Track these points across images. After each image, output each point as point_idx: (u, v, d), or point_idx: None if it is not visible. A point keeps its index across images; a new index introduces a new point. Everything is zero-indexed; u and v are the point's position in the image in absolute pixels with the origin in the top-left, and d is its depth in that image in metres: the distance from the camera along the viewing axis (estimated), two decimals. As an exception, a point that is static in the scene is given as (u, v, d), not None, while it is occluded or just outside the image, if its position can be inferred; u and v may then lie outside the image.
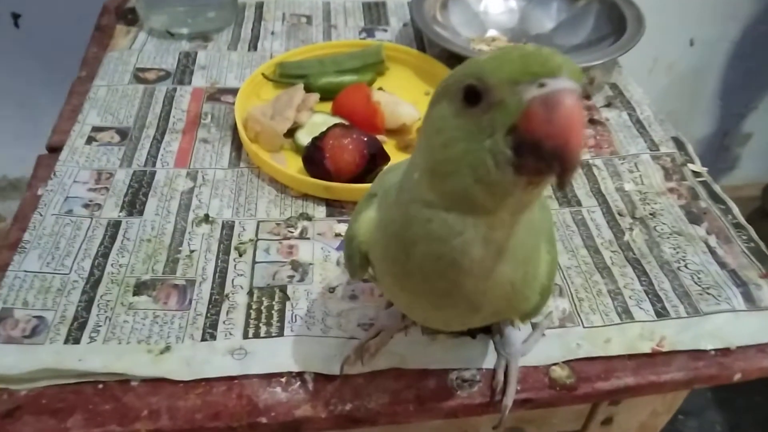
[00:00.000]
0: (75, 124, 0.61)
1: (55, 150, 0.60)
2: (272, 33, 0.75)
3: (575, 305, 0.47)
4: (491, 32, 0.76)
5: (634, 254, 0.51)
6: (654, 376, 0.43)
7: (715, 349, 0.44)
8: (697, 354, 0.44)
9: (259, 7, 0.79)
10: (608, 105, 0.66)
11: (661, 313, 0.46)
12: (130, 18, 0.76)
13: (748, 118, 1.56)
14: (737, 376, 0.44)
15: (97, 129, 0.61)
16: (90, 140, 0.60)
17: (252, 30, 0.76)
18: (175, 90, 0.66)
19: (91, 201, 0.54)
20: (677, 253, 0.51)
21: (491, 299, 0.33)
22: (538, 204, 0.33)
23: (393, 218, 0.33)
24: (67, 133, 0.61)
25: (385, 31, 0.77)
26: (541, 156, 0.25)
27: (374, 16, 0.79)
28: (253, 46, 0.73)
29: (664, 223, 0.53)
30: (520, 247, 0.31)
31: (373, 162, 0.54)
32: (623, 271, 0.49)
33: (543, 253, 0.35)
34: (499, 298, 0.33)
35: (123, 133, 0.61)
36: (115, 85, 0.66)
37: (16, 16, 1.15)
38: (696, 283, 0.48)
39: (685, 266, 0.50)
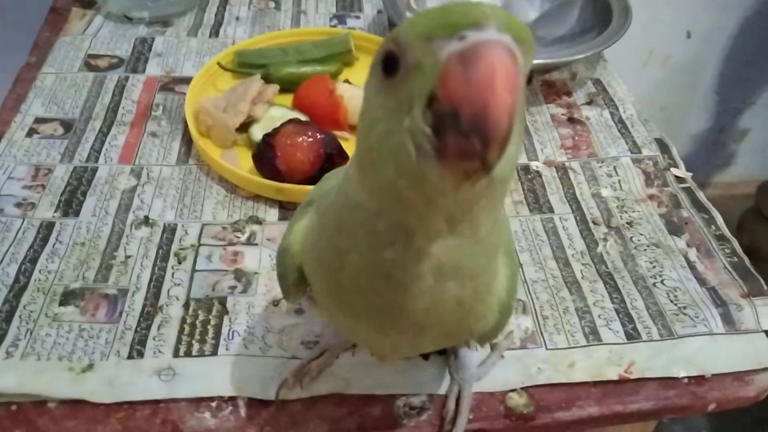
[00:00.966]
0: (17, 114, 0.57)
1: (-8, 142, 0.56)
2: (237, 18, 0.71)
3: (539, 324, 0.43)
4: (470, 22, 0.71)
5: (607, 268, 0.47)
6: (620, 405, 0.39)
7: (688, 377, 0.41)
8: (668, 382, 0.40)
9: (226, -9, 0.75)
10: (590, 102, 0.62)
11: (632, 335, 0.42)
12: (87, 1, 0.72)
13: (745, 114, 1.54)
14: (711, 407, 0.40)
15: (39, 120, 0.57)
16: (31, 132, 0.56)
17: (216, 15, 0.71)
18: (127, 79, 0.62)
19: (24, 200, 0.50)
20: (654, 267, 0.47)
21: (437, 319, 0.28)
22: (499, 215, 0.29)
23: (326, 223, 0.29)
24: (7, 124, 0.57)
25: (358, 18, 0.72)
26: (462, 128, 0.20)
27: (347, 1, 0.75)
28: (215, 32, 0.69)
29: (641, 234, 0.50)
30: (467, 260, 0.26)
31: (330, 162, 0.50)
32: (594, 286, 0.45)
33: (500, 266, 0.31)
34: (447, 318, 0.28)
35: (67, 125, 0.57)
36: (63, 73, 0.62)
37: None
38: (672, 302, 0.45)
39: (662, 282, 0.46)
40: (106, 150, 0.55)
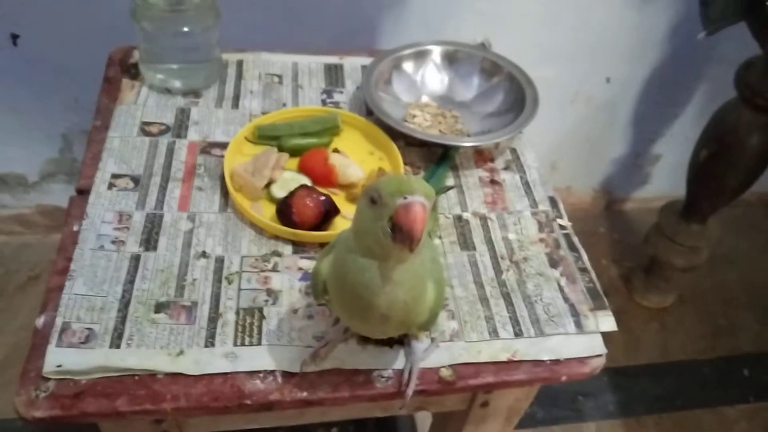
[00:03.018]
0: (97, 171, 0.79)
1: (82, 192, 0.78)
2: (251, 92, 0.94)
3: (462, 326, 0.68)
4: (424, 98, 0.96)
5: (507, 289, 0.73)
6: (507, 377, 0.65)
7: (550, 360, 0.67)
8: (538, 363, 0.66)
9: (240, 65, 0.98)
10: (506, 168, 0.88)
11: (518, 334, 0.68)
12: (134, 73, 0.94)
13: (657, 142, 1.79)
14: (564, 378, 0.67)
15: (115, 176, 0.79)
16: (110, 186, 0.78)
17: (234, 88, 0.94)
18: (174, 143, 0.84)
19: (116, 238, 0.72)
20: (537, 290, 0.73)
21: (394, 312, 0.54)
22: (431, 257, 0.57)
23: (338, 259, 0.55)
24: (91, 178, 0.79)
25: (341, 92, 0.96)
26: (401, 232, 0.47)
27: (333, 78, 0.98)
28: (235, 104, 0.91)
29: (531, 267, 0.75)
30: (408, 280, 0.53)
31: (327, 215, 0.75)
32: (497, 302, 0.71)
33: (429, 286, 0.57)
34: (399, 311, 0.54)
35: (136, 180, 0.79)
36: (126, 137, 0.84)
37: (15, 36, 1.29)
38: (545, 313, 0.71)
39: (541, 300, 0.72)
40: (168, 200, 0.77)
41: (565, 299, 0.72)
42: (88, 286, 0.67)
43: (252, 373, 0.62)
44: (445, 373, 0.65)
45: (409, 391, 0.62)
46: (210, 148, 0.84)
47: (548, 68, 1.43)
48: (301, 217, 0.73)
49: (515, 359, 0.66)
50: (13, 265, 1.58)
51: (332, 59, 1.01)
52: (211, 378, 0.62)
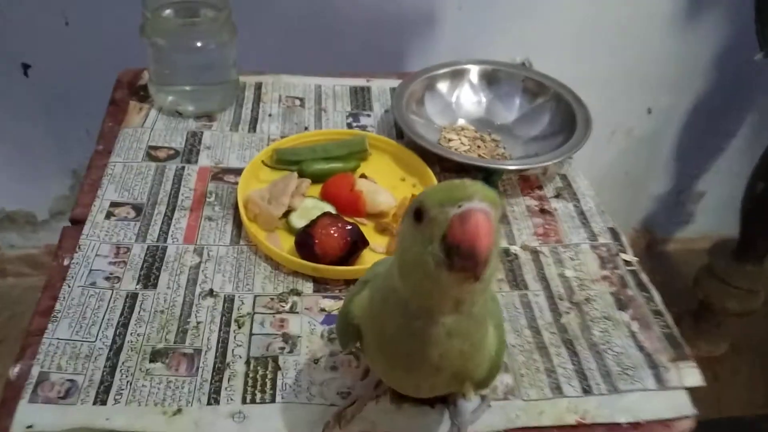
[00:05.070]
0: (95, 199, 0.70)
1: (77, 222, 0.68)
2: (270, 115, 0.85)
3: (517, 380, 0.57)
4: (461, 122, 0.87)
5: (569, 336, 0.61)
6: (576, 444, 0.53)
7: (627, 423, 0.55)
8: (612, 427, 0.54)
9: (258, 88, 0.89)
10: (557, 196, 0.77)
11: (586, 390, 0.56)
12: (142, 95, 0.86)
13: (701, 178, 1.69)
14: (643, 445, 0.54)
15: (114, 204, 0.70)
16: (109, 215, 0.69)
17: (251, 111, 0.85)
18: (183, 168, 0.75)
19: (111, 274, 0.63)
20: (604, 336, 0.61)
21: (448, 363, 0.42)
22: (489, 296, 0.44)
23: (377, 298, 0.44)
24: (88, 207, 0.69)
25: (369, 116, 0.87)
26: (460, 254, 0.34)
27: (359, 100, 0.90)
28: (253, 127, 0.83)
29: (596, 309, 0.64)
30: (466, 326, 0.41)
31: (354, 247, 0.64)
32: (558, 351, 0.60)
33: (491, 332, 0.45)
34: (454, 362, 0.43)
35: (138, 209, 0.70)
36: (129, 162, 0.75)
37: (26, 66, 1.23)
38: (617, 365, 0.59)
39: (610, 349, 0.60)
40: (173, 231, 0.68)
41: (640, 348, 0.60)
42: (73, 330, 0.57)
43: (264, 438, 0.51)
44: (500, 439, 0.53)
45: (457, 462, 0.51)
46: (223, 174, 0.75)
47: (585, 98, 1.34)
48: (323, 249, 0.63)
49: (586, 422, 0.54)
50: (19, 308, 1.49)
51: (359, 81, 0.93)
52: (214, 443, 0.51)
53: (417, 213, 0.37)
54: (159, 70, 0.82)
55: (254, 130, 0.82)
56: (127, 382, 0.54)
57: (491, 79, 0.88)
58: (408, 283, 0.39)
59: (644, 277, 0.68)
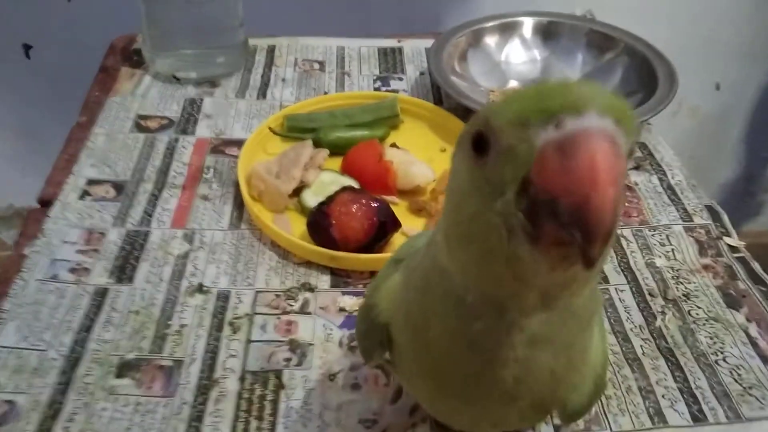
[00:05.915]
0: (69, 175, 0.58)
1: (46, 203, 0.56)
2: (283, 80, 0.72)
3: (602, 404, 0.42)
4: (512, 83, 0.72)
5: (667, 343, 0.46)
6: (692, 495, 0.38)
7: (761, 464, 0.39)
8: (740, 470, 0.39)
9: (271, 51, 0.76)
10: (637, 167, 0.62)
11: (698, 417, 0.41)
12: (136, 60, 0.74)
13: None
14: (786, 496, 0.39)
15: (92, 182, 0.58)
16: (84, 194, 0.56)
17: (262, 76, 0.72)
18: (177, 140, 0.63)
19: (78, 264, 0.50)
20: (714, 343, 0.46)
21: (528, 389, 0.27)
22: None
23: (413, 284, 0.29)
24: (60, 185, 0.57)
25: (401, 79, 0.73)
26: (559, 219, 0.19)
27: (390, 63, 0.76)
28: (262, 93, 0.70)
29: (699, 307, 0.49)
30: (561, 331, 0.26)
31: (383, 230, 0.51)
32: (655, 363, 0.44)
33: (595, 336, 0.30)
34: (538, 388, 0.27)
35: (119, 188, 0.57)
36: (114, 133, 0.63)
37: (27, 47, 1.14)
38: (736, 381, 0.43)
39: (724, 360, 0.45)
40: (158, 213, 0.55)
41: (764, 358, 0.45)
42: (22, 334, 0.45)
43: (259, 483, 0.38)
44: (585, 487, 0.38)
45: None
46: (224, 146, 0.62)
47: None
48: (343, 233, 0.49)
49: (702, 464, 0.39)
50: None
51: (389, 42, 0.79)
52: (191, 490, 0.37)
53: (478, 140, 0.22)
54: (154, 30, 0.70)
55: (264, 97, 0.69)
56: (84, 404, 0.41)
57: (547, 34, 0.74)
58: (462, 258, 0.24)
59: (757, 267, 0.52)
